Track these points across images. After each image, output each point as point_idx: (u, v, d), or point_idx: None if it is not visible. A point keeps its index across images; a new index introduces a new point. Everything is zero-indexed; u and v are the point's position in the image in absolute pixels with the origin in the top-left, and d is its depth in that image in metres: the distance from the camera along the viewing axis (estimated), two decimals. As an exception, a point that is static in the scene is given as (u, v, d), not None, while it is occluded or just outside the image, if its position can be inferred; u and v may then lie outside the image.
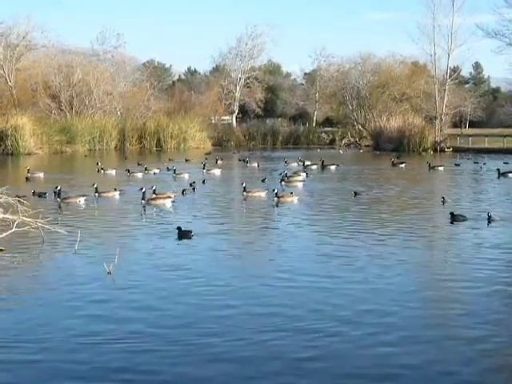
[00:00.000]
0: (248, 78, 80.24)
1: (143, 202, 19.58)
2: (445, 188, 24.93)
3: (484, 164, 36.10)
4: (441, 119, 54.73)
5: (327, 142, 68.02)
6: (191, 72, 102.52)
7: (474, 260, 11.98)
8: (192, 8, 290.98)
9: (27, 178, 27.17)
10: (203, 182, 25.27)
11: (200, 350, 7.43)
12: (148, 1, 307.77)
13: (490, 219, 15.93)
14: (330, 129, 74.87)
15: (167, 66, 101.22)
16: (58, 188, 20.40)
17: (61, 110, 60.67)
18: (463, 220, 16.22)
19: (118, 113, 63.14)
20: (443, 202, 19.52)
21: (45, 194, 21.09)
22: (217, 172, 31.25)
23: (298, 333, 7.97)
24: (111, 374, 6.86)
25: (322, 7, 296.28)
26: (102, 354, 7.35)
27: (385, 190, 24.42)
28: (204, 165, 31.89)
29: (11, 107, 56.93)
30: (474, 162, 37.67)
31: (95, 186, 21.45)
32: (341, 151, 55.81)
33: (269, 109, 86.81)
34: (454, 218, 16.26)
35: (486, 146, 51.50)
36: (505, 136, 52.36)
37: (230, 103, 79.50)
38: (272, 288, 10.08)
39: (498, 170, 29.54)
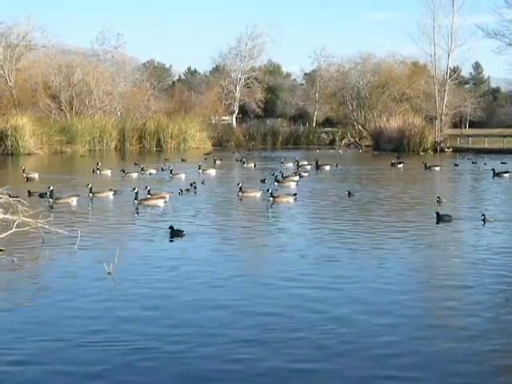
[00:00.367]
0: (248, 78, 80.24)
1: (136, 202, 19.60)
2: (440, 188, 24.94)
3: (484, 164, 36.13)
4: (441, 119, 54.75)
5: (327, 142, 68.06)
6: (191, 72, 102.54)
7: (470, 261, 11.97)
8: (192, 8, 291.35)
9: (27, 179, 27.15)
10: (202, 182, 25.27)
11: (200, 350, 7.44)
12: (148, 1, 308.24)
13: (484, 220, 15.87)
14: (330, 129, 74.90)
15: (167, 66, 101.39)
16: (51, 188, 20.47)
17: (61, 110, 60.67)
18: (449, 220, 16.21)
19: (118, 113, 63.14)
20: (438, 202, 19.49)
21: (46, 194, 21.09)
22: (212, 172, 31.30)
23: (296, 332, 7.98)
24: (111, 373, 6.87)
25: (321, 7, 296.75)
26: (102, 353, 7.35)
27: (380, 190, 24.39)
28: (200, 165, 32.01)
29: (11, 107, 56.91)
30: (472, 162, 37.69)
31: (90, 186, 21.49)
32: (340, 151, 55.87)
33: (269, 109, 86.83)
34: (440, 218, 16.25)
35: (486, 146, 51.52)
36: (505, 136, 52.39)
37: (230, 103, 79.51)
38: (268, 288, 10.11)
39: (493, 170, 29.67)
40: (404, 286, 10.29)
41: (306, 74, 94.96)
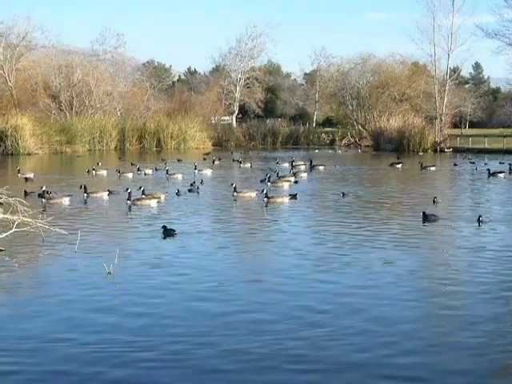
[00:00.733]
0: (248, 78, 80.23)
1: (129, 202, 19.61)
2: (434, 188, 24.84)
3: (485, 164, 36.15)
4: (441, 119, 54.71)
5: (327, 142, 68.08)
6: (191, 72, 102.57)
7: (468, 261, 11.95)
8: (192, 8, 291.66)
9: (26, 179, 27.12)
10: (201, 182, 25.28)
11: (201, 350, 7.44)
12: (148, 1, 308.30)
13: (480, 221, 15.78)
14: (330, 129, 74.92)
15: (167, 66, 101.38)
16: (43, 188, 20.44)
17: (61, 110, 60.69)
18: (434, 220, 16.19)
19: (118, 113, 63.14)
20: (435, 202, 19.45)
21: (46, 193, 21.11)
22: (208, 172, 31.32)
23: (291, 332, 7.99)
24: (111, 373, 6.86)
25: (322, 7, 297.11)
26: (102, 353, 7.34)
27: (376, 190, 24.36)
28: (196, 165, 32.03)
29: (11, 107, 56.90)
30: (470, 163, 37.70)
31: (83, 186, 21.55)
32: (340, 151, 55.91)
33: (269, 109, 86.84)
34: (426, 218, 16.23)
35: (486, 146, 51.52)
36: (505, 136, 52.40)
37: (230, 103, 79.52)
38: (271, 290, 10.09)
39: (489, 169, 29.80)
40: (401, 287, 10.28)
41: (305, 74, 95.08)
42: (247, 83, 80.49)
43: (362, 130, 66.66)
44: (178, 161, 38.84)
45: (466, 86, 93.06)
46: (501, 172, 29.39)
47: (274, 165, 36.30)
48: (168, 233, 14.26)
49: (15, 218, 13.61)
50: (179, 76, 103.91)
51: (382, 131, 55.19)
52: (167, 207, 19.41)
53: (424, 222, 16.06)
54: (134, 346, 7.58)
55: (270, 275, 10.97)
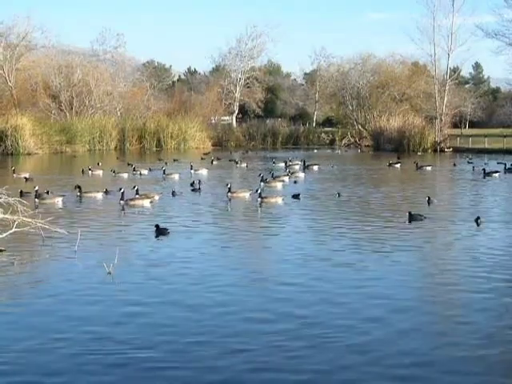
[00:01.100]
0: (248, 78, 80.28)
1: (122, 202, 19.64)
2: (428, 188, 24.87)
3: (485, 164, 36.18)
4: (441, 119, 54.72)
5: (327, 142, 68.13)
6: (191, 72, 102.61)
7: (467, 262, 11.95)
8: (192, 8, 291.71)
9: (26, 179, 27.09)
10: (199, 182, 25.27)
11: (202, 350, 7.44)
12: (148, 1, 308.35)
13: (478, 221, 15.70)
14: (330, 129, 74.95)
15: (167, 66, 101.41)
16: (36, 188, 20.43)
17: (61, 110, 60.69)
18: (421, 220, 16.17)
19: (118, 113, 63.16)
20: (429, 202, 19.44)
21: (47, 192, 21.12)
22: (204, 172, 31.37)
23: (287, 331, 7.99)
24: (112, 373, 6.86)
25: (322, 7, 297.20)
26: (102, 353, 7.34)
27: (371, 190, 24.33)
28: (191, 165, 32.12)
29: (11, 107, 56.92)
30: (468, 162, 37.73)
31: (78, 186, 21.56)
32: (339, 151, 55.93)
33: (269, 109, 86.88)
34: (412, 218, 16.22)
35: (486, 146, 51.53)
36: (505, 136, 52.41)
37: (230, 103, 79.55)
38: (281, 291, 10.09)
39: (484, 169, 29.90)
40: (397, 288, 10.28)
41: (305, 73, 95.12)
42: (247, 83, 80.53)
43: (361, 129, 66.68)
44: (174, 161, 38.79)
45: (466, 85, 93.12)
46: (496, 172, 29.54)
47: (271, 165, 36.35)
48: (161, 232, 14.39)
49: (15, 217, 13.61)
50: (179, 76, 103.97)
51: (382, 131, 55.21)
52: (163, 207, 19.40)
53: (410, 222, 16.06)
54: (133, 345, 7.58)
55: (270, 275, 10.97)
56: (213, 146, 61.24)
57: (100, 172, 31.22)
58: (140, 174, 30.44)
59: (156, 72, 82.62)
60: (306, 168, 33.90)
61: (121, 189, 20.08)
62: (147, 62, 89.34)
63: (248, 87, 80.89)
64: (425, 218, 16.37)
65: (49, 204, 19.80)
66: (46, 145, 50.49)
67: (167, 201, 20.79)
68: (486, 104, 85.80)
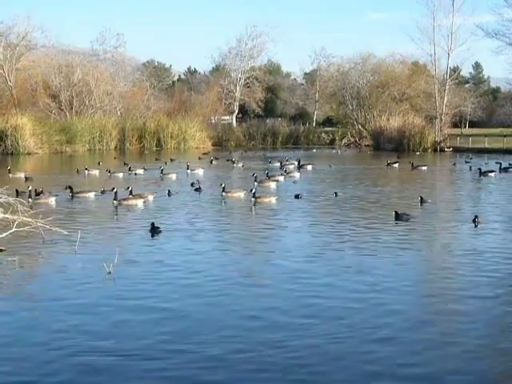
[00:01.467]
0: (248, 77, 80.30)
1: (115, 202, 19.66)
2: (422, 188, 24.85)
3: (486, 163, 36.22)
4: (441, 119, 54.72)
5: (327, 142, 68.11)
6: (191, 72, 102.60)
7: (467, 263, 11.94)
8: (192, 8, 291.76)
9: (26, 178, 27.09)
10: (197, 181, 25.29)
11: (202, 350, 7.45)
12: (148, 1, 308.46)
13: (476, 221, 15.62)
14: (330, 129, 74.94)
15: (167, 65, 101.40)
16: (29, 188, 20.45)
17: (61, 109, 60.69)
18: (407, 219, 16.13)
19: (118, 113, 63.16)
20: (421, 202, 19.39)
21: (41, 192, 21.09)
22: (200, 172, 31.38)
23: (282, 332, 8.00)
24: (112, 373, 6.86)
25: (322, 7, 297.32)
26: (102, 354, 7.34)
27: (368, 190, 24.30)
28: (188, 165, 32.10)
29: (11, 107, 56.90)
30: (466, 162, 37.73)
31: (68, 186, 21.59)
32: (339, 151, 55.93)
33: (269, 109, 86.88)
34: (398, 217, 16.18)
35: (486, 145, 51.54)
36: (505, 136, 52.41)
37: (230, 103, 79.57)
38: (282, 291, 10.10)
39: (480, 169, 29.98)
40: (393, 288, 10.28)
41: (305, 73, 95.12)
42: (247, 83, 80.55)
43: (362, 129, 66.68)
44: (171, 160, 38.74)
45: (466, 85, 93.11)
46: (491, 171, 29.70)
47: (267, 164, 36.36)
48: (154, 230, 14.61)
49: (15, 217, 13.62)
50: (179, 76, 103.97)
51: (382, 131, 55.21)
52: (159, 207, 19.40)
53: (396, 221, 16.05)
54: (134, 345, 7.58)
55: (268, 274, 10.98)
56: (213, 145, 61.25)
57: (96, 172, 31.23)
58: (135, 173, 30.42)
59: (156, 72, 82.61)
60: (300, 168, 34.00)
61: (113, 188, 20.12)
62: (147, 62, 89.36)
63: (248, 87, 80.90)
64: (412, 217, 16.34)
65: (42, 204, 19.75)
66: (46, 144, 50.47)
67: (164, 200, 20.79)
68: (486, 104, 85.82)
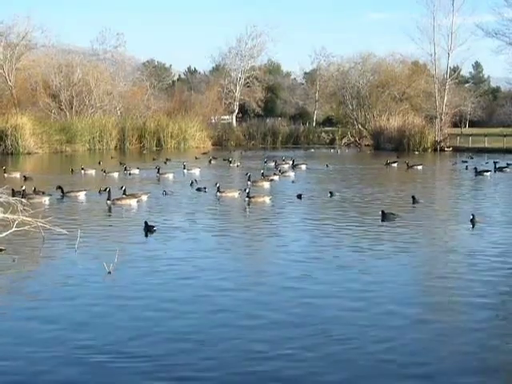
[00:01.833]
0: (248, 77, 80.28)
1: (109, 202, 19.69)
2: (417, 187, 24.87)
3: (486, 163, 36.22)
4: (441, 119, 54.71)
5: (327, 141, 68.08)
6: (191, 72, 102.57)
7: (467, 263, 11.95)
8: (192, 8, 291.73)
9: (25, 178, 27.05)
10: (196, 181, 25.27)
11: (202, 350, 7.45)
12: (148, 1, 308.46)
13: (473, 221, 15.56)
14: (330, 128, 74.94)
15: (167, 65, 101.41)
16: (23, 188, 20.47)
17: (61, 109, 60.66)
18: (393, 219, 16.11)
19: (118, 112, 63.16)
20: (414, 201, 19.36)
21: (34, 191, 21.10)
22: (196, 172, 31.39)
23: (280, 331, 8.01)
24: (112, 372, 6.87)
25: (322, 7, 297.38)
26: (103, 353, 7.35)
27: (361, 189, 24.30)
28: (184, 164, 32.16)
29: (11, 107, 56.87)
30: (463, 161, 37.71)
31: (59, 187, 21.63)
32: (338, 151, 55.92)
33: (269, 108, 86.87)
34: (385, 217, 16.17)
35: (486, 145, 51.55)
36: (505, 135, 52.43)
37: (230, 103, 79.56)
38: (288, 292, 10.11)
39: (475, 168, 30.14)
40: (390, 288, 10.29)
41: (305, 73, 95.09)
42: (247, 82, 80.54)
43: (362, 129, 66.69)
44: (167, 160, 38.64)
45: (466, 85, 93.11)
46: (487, 171, 29.81)
47: (262, 164, 36.38)
48: (148, 229, 14.72)
49: (15, 217, 13.62)
50: (179, 75, 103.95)
51: (382, 130, 55.23)
52: (153, 206, 19.39)
53: (383, 221, 16.03)
54: (134, 345, 7.59)
55: (268, 274, 10.99)
56: (213, 145, 61.25)
57: (93, 171, 31.23)
58: (129, 173, 30.37)
59: (156, 71, 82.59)
60: (294, 167, 33.98)
61: (106, 188, 20.16)
62: (147, 62, 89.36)
63: (248, 86, 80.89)
64: (398, 216, 16.32)
65: (36, 203, 19.69)
66: (45, 144, 50.44)
67: (159, 200, 20.77)
68: (486, 103, 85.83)
